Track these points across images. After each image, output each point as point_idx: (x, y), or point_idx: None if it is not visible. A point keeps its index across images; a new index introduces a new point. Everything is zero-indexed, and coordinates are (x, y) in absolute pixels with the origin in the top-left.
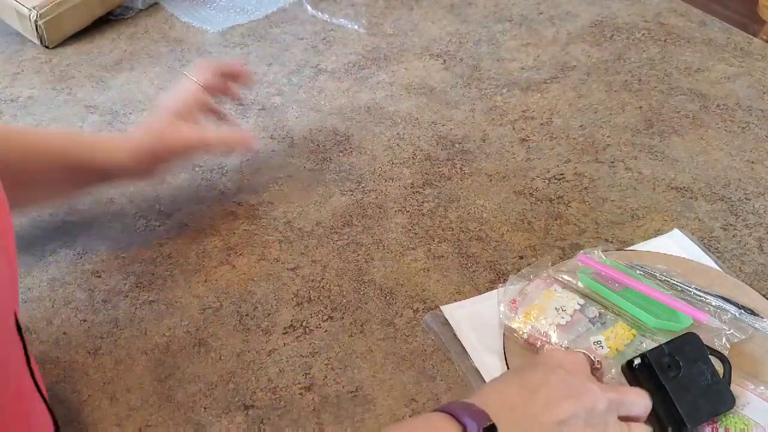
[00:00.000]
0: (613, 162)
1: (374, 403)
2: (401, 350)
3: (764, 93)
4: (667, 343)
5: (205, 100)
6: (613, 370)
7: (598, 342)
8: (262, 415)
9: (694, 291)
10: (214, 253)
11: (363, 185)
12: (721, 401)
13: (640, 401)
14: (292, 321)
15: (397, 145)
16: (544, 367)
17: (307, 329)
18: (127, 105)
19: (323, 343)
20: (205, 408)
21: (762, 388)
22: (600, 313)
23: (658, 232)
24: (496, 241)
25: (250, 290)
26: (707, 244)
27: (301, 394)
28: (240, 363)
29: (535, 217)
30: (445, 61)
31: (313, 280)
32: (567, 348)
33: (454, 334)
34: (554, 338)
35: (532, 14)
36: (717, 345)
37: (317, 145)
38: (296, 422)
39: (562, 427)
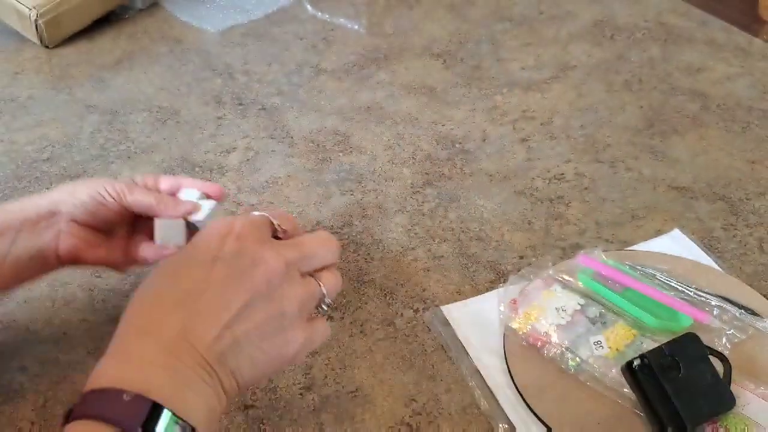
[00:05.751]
0: (613, 162)
1: (374, 403)
2: (401, 350)
3: (765, 93)
4: (667, 343)
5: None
6: (613, 370)
7: (598, 342)
8: (262, 415)
9: (695, 291)
10: None
11: (363, 185)
12: (722, 402)
13: (322, 248)
14: None
15: (397, 144)
16: (201, 262)
17: None
18: (126, 105)
19: (323, 343)
20: None
21: (762, 388)
22: (600, 314)
23: (658, 232)
24: (496, 241)
25: None
26: (708, 244)
27: (301, 394)
28: None
29: (535, 217)
30: (445, 60)
31: None
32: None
33: (455, 334)
34: (555, 338)
35: (532, 14)
36: (717, 345)
37: (317, 145)
38: (296, 422)
39: (236, 324)
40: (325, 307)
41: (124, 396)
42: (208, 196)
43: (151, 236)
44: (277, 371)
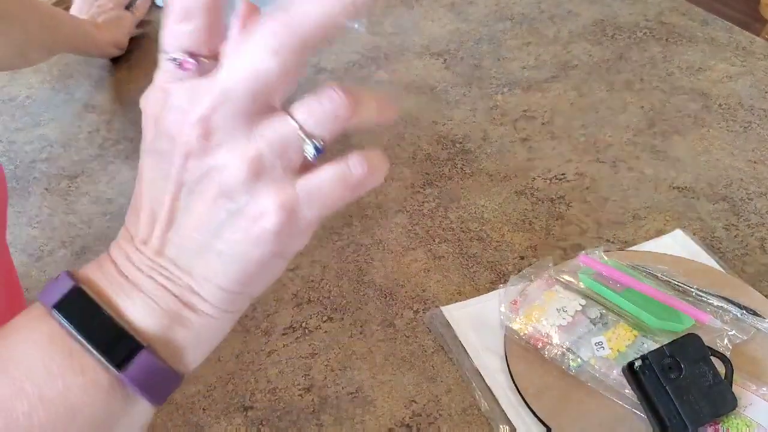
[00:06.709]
0: (614, 162)
1: (374, 404)
2: (401, 351)
3: (766, 92)
4: (668, 344)
5: None
6: (614, 371)
7: (599, 343)
8: (262, 416)
9: (696, 291)
10: None
11: None
12: (723, 402)
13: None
14: (291, 322)
15: (398, 144)
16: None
17: (306, 330)
18: (125, 104)
19: (323, 344)
20: (203, 409)
21: (764, 389)
22: (601, 314)
23: (659, 233)
24: (496, 242)
25: None
26: (709, 245)
27: (300, 395)
28: (239, 364)
29: (536, 218)
30: (445, 60)
31: (312, 281)
32: (568, 348)
33: (455, 335)
34: (555, 339)
35: (533, 13)
36: (719, 346)
37: None
38: (296, 424)
39: (174, 229)
40: (311, 150)
41: (59, 277)
42: None
43: None
44: (263, 260)
